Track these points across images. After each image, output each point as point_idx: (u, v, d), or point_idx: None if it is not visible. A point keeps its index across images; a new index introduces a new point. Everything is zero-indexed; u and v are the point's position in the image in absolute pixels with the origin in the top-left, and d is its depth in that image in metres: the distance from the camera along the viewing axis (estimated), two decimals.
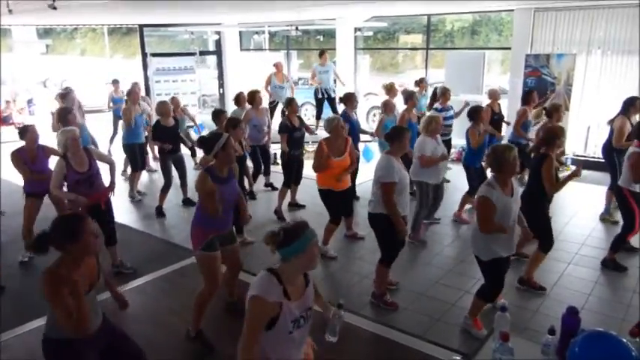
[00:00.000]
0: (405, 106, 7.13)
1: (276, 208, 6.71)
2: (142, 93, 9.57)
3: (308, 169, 6.62)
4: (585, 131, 9.10)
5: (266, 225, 6.38)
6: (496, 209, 3.56)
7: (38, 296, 2.55)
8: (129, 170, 8.06)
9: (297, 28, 11.00)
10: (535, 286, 4.70)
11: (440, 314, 4.37)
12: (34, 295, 4.23)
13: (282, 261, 2.24)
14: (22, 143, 5.32)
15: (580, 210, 6.88)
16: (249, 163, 7.17)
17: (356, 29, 11.84)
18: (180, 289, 4.92)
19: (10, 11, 6.49)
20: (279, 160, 7.31)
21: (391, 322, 4.26)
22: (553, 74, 8.86)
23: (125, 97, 8.51)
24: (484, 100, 8.59)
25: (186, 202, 7.33)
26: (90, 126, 8.01)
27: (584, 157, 9.07)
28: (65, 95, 7.87)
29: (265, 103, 8.55)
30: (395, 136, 4.30)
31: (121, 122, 7.96)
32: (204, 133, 9.37)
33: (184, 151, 7.60)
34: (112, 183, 4.95)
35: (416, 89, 8.50)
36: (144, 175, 8.46)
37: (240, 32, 14.04)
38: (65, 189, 4.68)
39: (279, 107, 10.12)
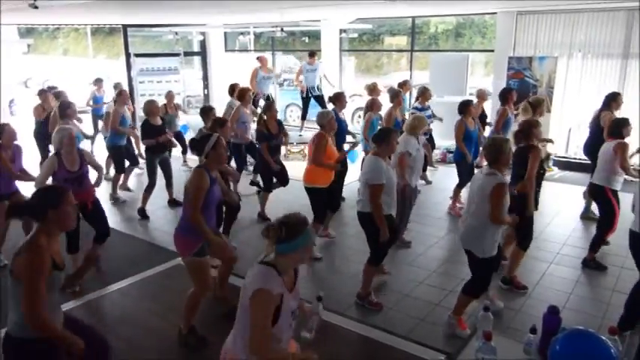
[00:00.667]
0: (390, 105, 7.19)
1: (259, 212, 6.69)
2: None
3: (293, 170, 6.63)
4: (567, 133, 9.24)
5: (249, 227, 6.38)
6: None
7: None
8: (112, 172, 7.98)
9: (282, 30, 10.98)
10: (519, 285, 4.75)
11: (424, 314, 4.39)
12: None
13: (279, 255, 2.24)
14: None
15: (561, 210, 6.98)
16: (232, 164, 7.14)
17: (341, 31, 11.86)
18: (164, 291, 4.88)
19: None
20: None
21: (376, 323, 4.27)
22: (535, 76, 8.98)
23: (114, 98, 8.54)
24: None
25: (172, 202, 7.27)
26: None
27: (566, 158, 9.22)
28: (59, 94, 7.85)
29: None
30: (383, 137, 4.32)
31: (100, 123, 7.88)
32: (189, 134, 9.35)
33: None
34: (97, 184, 5.08)
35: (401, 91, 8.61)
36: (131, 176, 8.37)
37: (225, 33, 13.99)
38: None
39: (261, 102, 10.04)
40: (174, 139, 7.94)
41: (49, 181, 4.68)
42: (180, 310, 3.93)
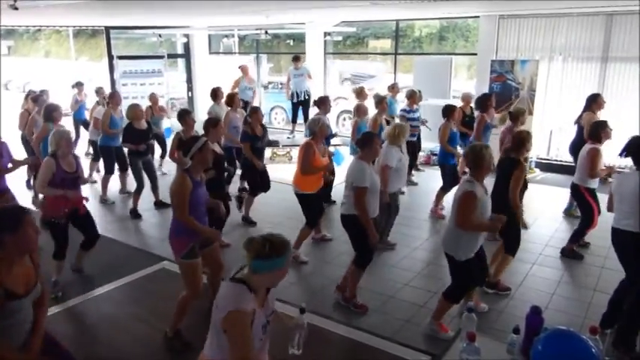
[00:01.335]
0: (376, 111, 7.24)
1: (244, 215, 6.67)
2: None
3: (278, 173, 6.62)
4: (548, 135, 9.37)
5: (238, 228, 6.39)
6: (477, 206, 3.64)
7: None
8: (102, 173, 7.85)
9: (266, 32, 10.99)
10: (502, 287, 4.79)
11: (409, 316, 4.41)
12: None
13: (253, 273, 2.17)
14: None
15: (544, 211, 7.06)
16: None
17: (325, 34, 11.89)
18: (148, 295, 4.83)
19: None
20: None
21: (360, 325, 4.28)
22: (517, 79, 9.09)
23: (98, 100, 8.64)
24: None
25: (159, 204, 7.23)
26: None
27: (547, 160, 9.34)
28: (37, 98, 7.65)
29: None
30: (366, 142, 4.35)
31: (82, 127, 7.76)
32: (172, 136, 9.25)
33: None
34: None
35: (389, 94, 8.68)
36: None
37: (209, 35, 13.92)
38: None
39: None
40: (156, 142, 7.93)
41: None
42: (164, 314, 3.90)
